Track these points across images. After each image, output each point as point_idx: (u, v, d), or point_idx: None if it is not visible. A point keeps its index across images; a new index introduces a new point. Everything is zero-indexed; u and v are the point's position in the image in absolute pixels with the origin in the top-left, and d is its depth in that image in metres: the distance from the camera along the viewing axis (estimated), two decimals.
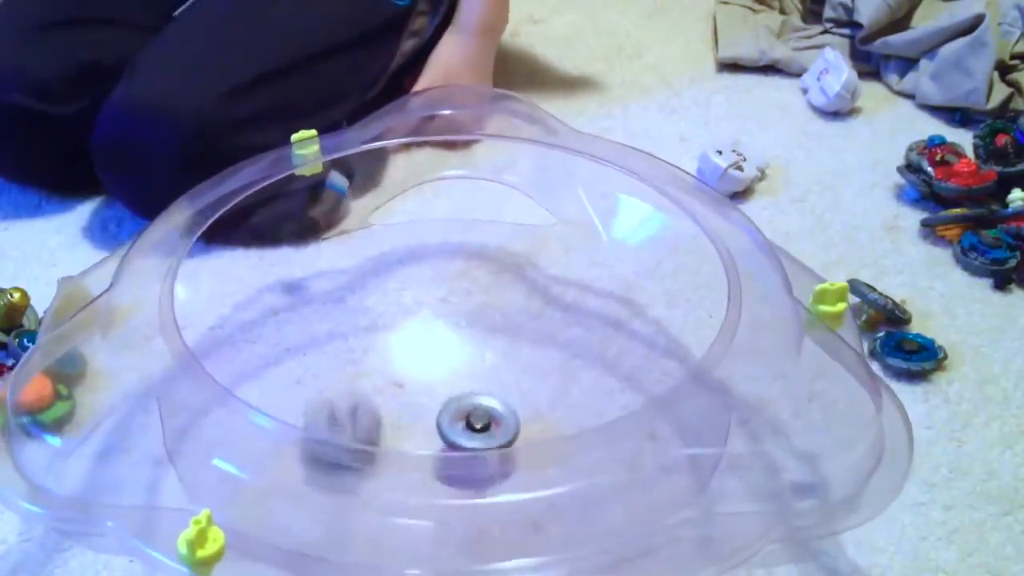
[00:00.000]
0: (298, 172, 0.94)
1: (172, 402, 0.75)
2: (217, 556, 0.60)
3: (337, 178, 1.09)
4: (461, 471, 0.70)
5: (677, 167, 0.92)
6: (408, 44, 1.21)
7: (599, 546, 0.65)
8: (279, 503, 0.69)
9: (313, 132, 0.94)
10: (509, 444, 0.80)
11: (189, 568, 0.60)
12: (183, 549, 0.60)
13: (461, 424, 0.81)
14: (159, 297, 0.75)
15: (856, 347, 0.78)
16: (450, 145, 1.18)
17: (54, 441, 0.77)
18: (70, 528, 0.68)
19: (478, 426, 0.80)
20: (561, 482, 0.66)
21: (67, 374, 0.86)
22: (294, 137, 0.94)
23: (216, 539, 0.60)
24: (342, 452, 0.72)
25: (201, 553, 0.60)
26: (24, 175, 1.15)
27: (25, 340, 0.93)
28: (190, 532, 0.60)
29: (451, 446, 0.81)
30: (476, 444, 0.79)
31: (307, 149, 0.94)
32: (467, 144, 1.19)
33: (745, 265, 0.80)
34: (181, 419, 0.75)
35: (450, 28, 1.25)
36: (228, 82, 1.04)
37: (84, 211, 1.13)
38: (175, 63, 1.07)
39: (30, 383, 0.75)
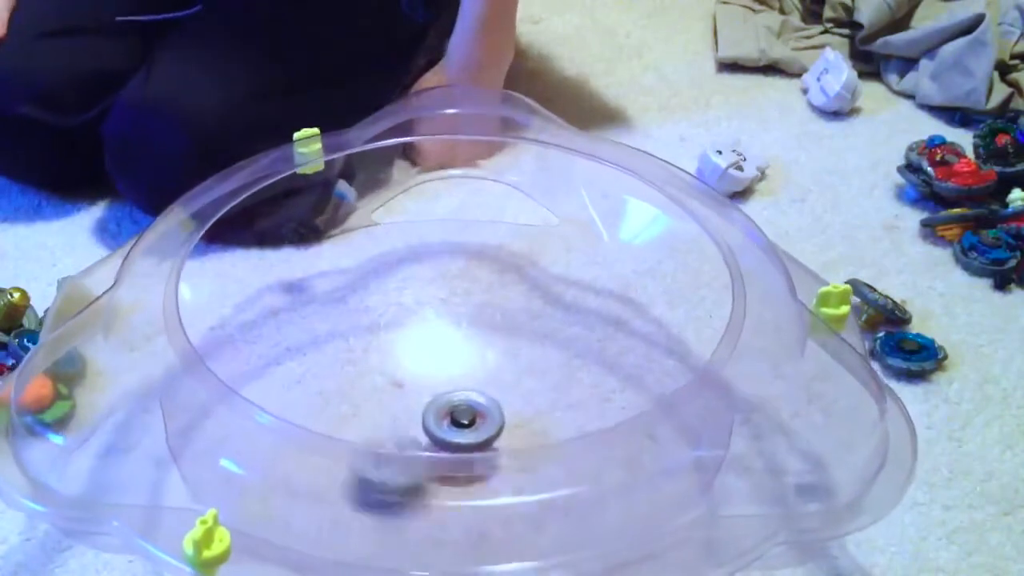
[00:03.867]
0: (300, 171, 0.93)
1: (175, 402, 0.74)
2: (223, 557, 0.60)
3: (344, 187, 1.09)
4: (462, 471, 0.70)
5: (677, 167, 0.92)
6: (422, 61, 1.20)
7: (602, 548, 0.65)
8: (283, 503, 0.68)
9: (316, 130, 0.93)
10: (496, 436, 0.81)
11: (195, 569, 0.60)
12: (189, 549, 0.60)
13: (447, 421, 0.82)
14: (163, 297, 0.75)
15: (859, 350, 0.77)
16: None
17: (57, 439, 0.77)
18: (74, 527, 0.68)
19: (464, 421, 0.82)
20: (563, 484, 0.66)
21: (67, 374, 0.86)
22: (297, 135, 0.93)
23: (222, 539, 0.60)
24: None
25: (207, 554, 0.60)
26: (25, 177, 1.15)
27: (25, 340, 0.93)
28: (196, 532, 0.59)
29: (439, 444, 0.81)
30: (464, 440, 0.81)
31: (309, 147, 0.93)
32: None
33: (747, 265, 0.80)
34: (184, 419, 0.75)
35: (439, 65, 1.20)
36: (245, 86, 1.03)
37: (84, 212, 1.13)
38: (192, 63, 1.06)
39: (30, 383, 0.75)
